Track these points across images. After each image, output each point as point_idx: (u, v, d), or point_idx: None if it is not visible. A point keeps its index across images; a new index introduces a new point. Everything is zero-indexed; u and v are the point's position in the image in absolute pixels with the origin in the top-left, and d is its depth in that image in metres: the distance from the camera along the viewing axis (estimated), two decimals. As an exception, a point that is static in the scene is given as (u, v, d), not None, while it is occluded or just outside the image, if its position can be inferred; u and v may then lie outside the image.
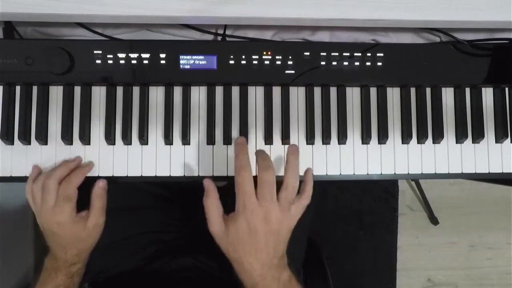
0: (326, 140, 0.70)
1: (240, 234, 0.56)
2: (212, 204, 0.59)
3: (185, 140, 0.68)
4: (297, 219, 0.60)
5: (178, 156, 0.69)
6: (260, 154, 0.61)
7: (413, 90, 0.72)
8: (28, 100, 0.68)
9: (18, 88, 0.68)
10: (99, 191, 0.66)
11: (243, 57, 0.68)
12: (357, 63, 0.69)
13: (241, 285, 0.59)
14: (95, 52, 0.67)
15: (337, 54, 0.68)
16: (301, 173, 0.64)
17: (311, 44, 0.72)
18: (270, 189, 0.57)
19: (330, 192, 1.41)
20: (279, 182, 0.59)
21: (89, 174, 0.67)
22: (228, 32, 0.71)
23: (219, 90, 0.70)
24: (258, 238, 0.56)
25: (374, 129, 0.71)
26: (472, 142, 0.72)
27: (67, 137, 0.67)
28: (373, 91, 0.71)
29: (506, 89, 0.72)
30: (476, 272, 1.58)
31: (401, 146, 0.71)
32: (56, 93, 0.69)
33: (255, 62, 0.68)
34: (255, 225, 0.56)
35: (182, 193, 0.91)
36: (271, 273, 0.57)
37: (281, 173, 0.67)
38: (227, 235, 0.58)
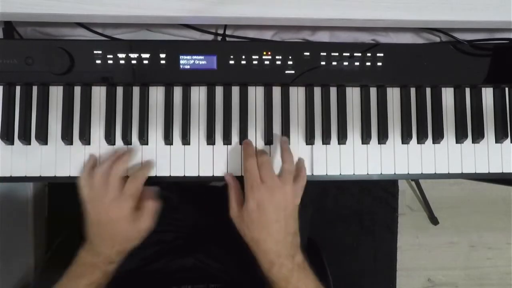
0: (326, 140, 0.70)
1: (251, 213, 0.62)
2: (234, 194, 0.65)
3: (185, 140, 0.68)
4: (299, 196, 0.65)
5: (178, 156, 0.69)
6: (258, 150, 0.69)
7: (413, 90, 0.72)
8: (28, 100, 0.68)
9: (18, 88, 0.68)
10: (150, 194, 0.66)
11: (243, 57, 0.68)
12: (357, 63, 0.69)
13: (258, 268, 0.64)
14: (95, 52, 0.67)
15: (337, 54, 0.68)
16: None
17: (311, 44, 0.72)
18: (268, 169, 0.63)
19: (330, 192, 1.41)
20: None
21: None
22: (228, 32, 0.71)
23: (219, 90, 0.70)
24: (267, 212, 0.61)
25: (374, 129, 0.71)
26: (472, 142, 0.72)
27: (67, 137, 0.67)
28: (373, 91, 0.71)
29: (506, 89, 0.72)
30: (476, 272, 1.58)
31: (401, 146, 0.71)
32: (56, 93, 0.69)
33: (255, 62, 0.68)
34: (263, 201, 0.61)
35: (182, 193, 0.91)
36: (286, 251, 0.62)
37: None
38: (242, 218, 0.63)
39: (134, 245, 0.67)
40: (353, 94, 0.71)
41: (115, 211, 0.63)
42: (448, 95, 0.72)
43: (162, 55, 0.67)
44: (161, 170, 0.69)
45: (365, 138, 0.70)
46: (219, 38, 0.72)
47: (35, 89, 0.68)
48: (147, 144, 0.69)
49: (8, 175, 0.68)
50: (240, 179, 0.67)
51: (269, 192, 0.62)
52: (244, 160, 0.65)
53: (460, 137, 0.71)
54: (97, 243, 0.65)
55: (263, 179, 0.62)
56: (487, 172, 0.72)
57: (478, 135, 0.71)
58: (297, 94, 0.71)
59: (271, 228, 0.61)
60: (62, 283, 0.65)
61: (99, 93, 0.69)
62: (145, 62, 0.67)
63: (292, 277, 0.61)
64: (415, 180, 1.51)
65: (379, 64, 0.69)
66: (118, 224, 0.64)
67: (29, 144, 0.68)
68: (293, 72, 0.68)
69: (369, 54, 0.69)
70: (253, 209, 0.61)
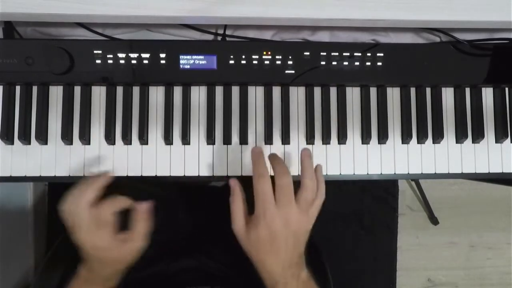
0: (326, 140, 0.70)
1: (261, 238, 0.58)
2: (237, 204, 0.60)
3: (185, 140, 0.68)
4: (314, 219, 0.61)
5: (178, 156, 0.69)
6: (274, 158, 0.62)
7: (413, 90, 0.72)
8: (28, 100, 0.68)
9: (18, 88, 0.68)
10: (142, 215, 0.63)
11: (243, 57, 0.68)
12: (357, 63, 0.69)
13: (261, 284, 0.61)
14: (95, 52, 0.67)
15: (337, 54, 0.68)
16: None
17: (311, 44, 0.72)
18: (288, 193, 0.58)
19: (330, 192, 1.41)
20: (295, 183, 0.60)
21: (89, 174, 0.67)
22: (228, 32, 0.71)
23: (219, 90, 0.70)
24: (278, 241, 0.58)
25: (374, 129, 0.71)
26: (472, 142, 0.72)
27: (67, 137, 0.67)
28: (373, 91, 0.71)
29: (506, 89, 0.72)
30: (476, 272, 1.58)
31: (401, 146, 0.71)
32: (56, 93, 0.69)
33: (255, 62, 0.68)
34: (276, 230, 0.57)
35: (183, 193, 0.90)
36: (291, 271, 0.59)
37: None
38: (248, 238, 0.59)
39: (130, 262, 0.65)
40: (353, 94, 0.71)
41: (94, 241, 0.60)
42: (448, 95, 0.72)
43: (162, 55, 0.67)
44: (161, 170, 0.69)
45: (365, 138, 0.70)
46: (219, 38, 0.72)
47: (35, 89, 0.68)
48: (147, 144, 0.69)
49: (8, 175, 0.68)
50: (238, 178, 0.65)
51: (285, 221, 0.58)
52: (255, 181, 0.58)
53: (460, 137, 0.71)
54: (89, 262, 0.63)
55: (279, 202, 0.58)
56: (487, 172, 0.72)
57: (478, 135, 0.71)
58: (297, 94, 0.71)
59: (280, 254, 0.59)
60: None
61: (99, 93, 0.69)
62: (145, 62, 0.67)
63: None
64: (415, 180, 1.51)
65: (379, 64, 0.69)
66: (103, 251, 0.61)
67: (29, 144, 0.68)
68: (293, 72, 0.68)
69: (369, 54, 0.69)
70: (264, 236, 0.58)
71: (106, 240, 0.60)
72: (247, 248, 0.60)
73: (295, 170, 0.69)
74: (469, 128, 0.72)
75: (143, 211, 0.63)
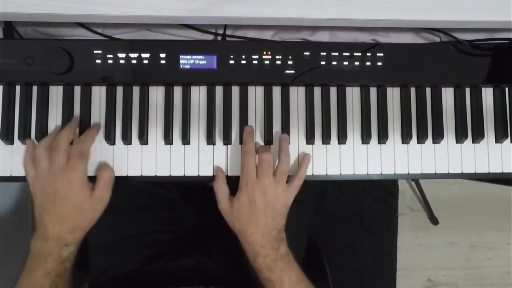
0: (326, 140, 0.70)
1: (242, 207, 0.65)
2: (220, 186, 0.67)
3: (185, 140, 0.68)
4: (292, 197, 0.67)
5: (178, 156, 0.69)
6: (262, 146, 0.70)
7: (413, 90, 0.72)
8: (28, 100, 0.68)
9: (18, 88, 0.68)
10: (104, 163, 0.67)
11: (243, 57, 0.68)
12: (357, 63, 0.69)
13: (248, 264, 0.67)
14: (95, 52, 0.67)
15: (337, 54, 0.68)
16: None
17: (311, 44, 0.72)
18: (268, 168, 0.65)
19: (330, 192, 1.41)
20: None
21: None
22: (228, 32, 0.71)
23: (219, 90, 0.70)
24: (257, 209, 0.64)
25: (374, 129, 0.71)
26: (472, 142, 0.72)
27: (67, 137, 0.67)
28: (373, 91, 0.71)
29: (506, 89, 0.72)
30: (476, 272, 1.58)
31: (401, 146, 0.71)
32: (56, 93, 0.69)
33: (255, 62, 0.68)
34: (254, 198, 0.64)
35: (182, 193, 0.90)
36: (271, 244, 0.65)
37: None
38: (232, 210, 0.66)
39: (90, 219, 0.63)
40: (353, 94, 0.71)
41: (69, 173, 0.60)
42: (448, 95, 0.72)
43: (162, 55, 0.67)
44: (161, 170, 0.69)
45: (365, 138, 0.70)
46: (219, 38, 0.72)
47: (35, 88, 0.68)
48: (147, 144, 0.69)
49: (8, 174, 0.68)
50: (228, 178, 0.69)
51: (263, 191, 0.64)
52: (243, 155, 0.66)
53: (460, 137, 0.71)
54: (45, 225, 0.61)
55: (260, 175, 0.65)
56: (487, 172, 0.72)
57: (478, 135, 0.71)
58: (297, 94, 0.71)
59: (259, 223, 0.64)
60: (20, 280, 0.62)
61: (99, 93, 0.69)
62: (145, 62, 0.67)
63: (276, 267, 0.64)
64: (415, 180, 1.51)
65: (379, 64, 0.69)
66: (71, 190, 0.60)
67: (29, 144, 0.68)
68: (293, 72, 0.68)
69: (369, 54, 0.69)
70: (245, 203, 0.64)
71: (82, 172, 0.61)
72: (231, 221, 0.67)
73: (295, 169, 0.69)
74: (469, 128, 0.72)
75: (108, 164, 0.67)
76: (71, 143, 0.64)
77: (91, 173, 0.66)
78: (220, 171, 0.69)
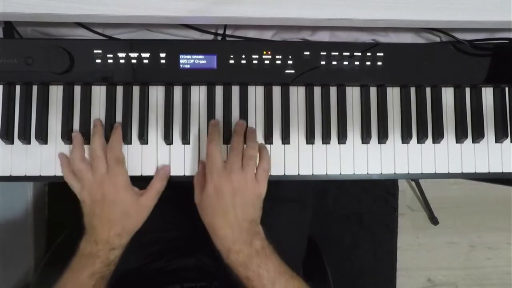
0: (326, 139, 0.70)
1: (209, 197, 0.62)
2: (197, 179, 0.66)
3: (185, 139, 0.68)
4: (264, 185, 0.64)
5: (178, 155, 0.69)
6: (237, 133, 0.67)
7: (413, 90, 0.72)
8: (28, 100, 0.68)
9: (18, 88, 0.68)
10: (163, 174, 0.66)
11: (243, 57, 0.68)
12: (357, 63, 0.69)
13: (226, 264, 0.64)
14: (95, 51, 0.67)
15: (337, 54, 0.68)
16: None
17: (311, 44, 0.72)
18: (235, 154, 0.63)
19: (330, 192, 1.41)
20: None
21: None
22: (228, 32, 0.71)
23: (219, 90, 0.70)
24: (224, 198, 0.61)
25: (374, 128, 0.71)
26: (472, 142, 0.72)
27: (67, 137, 0.67)
28: (373, 91, 0.71)
29: (506, 89, 0.72)
30: (476, 272, 1.58)
31: (401, 145, 0.71)
32: (56, 92, 0.69)
33: (255, 62, 0.68)
34: (221, 186, 0.61)
35: (183, 192, 0.90)
36: (243, 238, 0.61)
37: (281, 172, 0.68)
38: (201, 203, 0.64)
39: (136, 224, 0.66)
40: (353, 94, 0.71)
41: (113, 179, 0.63)
42: (448, 95, 0.72)
43: (162, 55, 0.67)
44: (161, 169, 0.69)
45: (365, 137, 0.70)
46: (219, 38, 0.72)
47: (35, 88, 0.68)
48: (147, 143, 0.69)
49: (8, 174, 0.68)
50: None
51: (228, 177, 0.62)
52: (208, 143, 0.65)
53: (460, 136, 0.71)
54: (94, 229, 0.63)
55: (227, 162, 0.63)
56: (487, 172, 0.72)
57: (478, 135, 0.71)
58: (297, 94, 0.71)
59: (227, 214, 0.61)
60: (65, 278, 0.64)
61: (99, 93, 0.69)
62: (145, 61, 0.67)
63: (251, 263, 0.61)
64: (415, 180, 1.51)
65: (379, 64, 0.69)
66: (118, 194, 0.63)
67: (29, 143, 0.68)
68: (293, 71, 0.68)
69: (369, 54, 0.69)
70: (211, 193, 0.62)
71: (125, 177, 0.64)
72: (202, 214, 0.64)
73: (295, 170, 0.69)
74: (469, 128, 0.72)
75: (165, 171, 0.67)
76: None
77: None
78: (202, 166, 0.67)
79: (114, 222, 0.63)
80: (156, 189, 0.66)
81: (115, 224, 0.63)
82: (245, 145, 0.66)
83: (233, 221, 0.61)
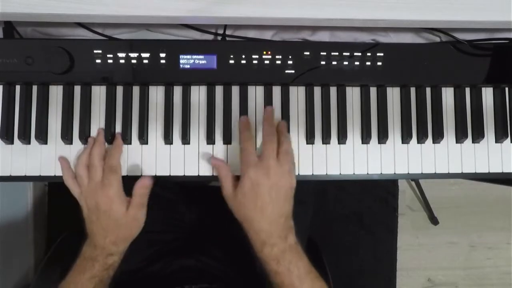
0: (326, 139, 0.70)
1: (246, 192, 0.61)
2: (224, 172, 0.65)
3: (185, 139, 0.68)
4: (294, 177, 0.64)
5: (178, 156, 0.69)
6: (267, 118, 0.67)
7: (413, 90, 0.72)
8: (28, 100, 0.68)
9: (18, 88, 0.68)
10: (139, 191, 0.65)
11: (243, 57, 0.68)
12: (357, 63, 0.69)
13: (252, 250, 0.64)
14: (95, 51, 0.67)
15: (337, 54, 0.69)
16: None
17: (311, 44, 0.72)
18: (270, 148, 0.62)
19: (330, 192, 1.41)
20: None
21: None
22: (228, 32, 0.71)
23: (219, 90, 0.70)
24: (262, 192, 0.61)
25: (374, 129, 0.71)
26: (472, 142, 0.72)
27: (67, 137, 0.67)
28: (373, 91, 0.71)
29: (506, 89, 0.72)
30: (476, 272, 1.58)
31: (401, 146, 0.71)
32: (56, 92, 0.69)
33: (255, 62, 0.68)
34: (258, 181, 0.61)
35: (183, 193, 0.91)
36: (278, 232, 0.62)
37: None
38: (235, 198, 0.63)
39: (129, 234, 0.66)
40: (353, 94, 0.71)
41: (106, 189, 0.63)
42: (448, 95, 0.72)
43: (162, 55, 0.67)
44: (161, 169, 0.69)
45: (365, 137, 0.70)
46: (219, 38, 0.72)
47: (35, 88, 0.68)
48: (147, 143, 0.69)
49: (8, 174, 0.68)
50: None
51: (266, 172, 0.61)
52: (241, 143, 0.65)
53: (460, 137, 0.71)
54: (93, 235, 0.65)
55: (262, 156, 0.62)
56: (487, 172, 0.72)
57: (478, 135, 0.71)
58: (297, 94, 0.71)
59: (265, 208, 0.61)
60: (68, 279, 0.65)
61: (99, 93, 0.69)
62: (145, 61, 0.67)
63: (284, 258, 0.61)
64: (415, 180, 1.51)
65: (379, 64, 0.69)
66: (110, 204, 0.63)
67: (29, 143, 0.68)
68: (293, 71, 0.68)
69: (369, 54, 0.69)
70: (248, 188, 0.61)
71: (117, 187, 0.64)
72: (236, 210, 0.63)
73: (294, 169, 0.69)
74: (469, 128, 0.72)
75: (140, 186, 0.65)
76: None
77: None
78: (220, 162, 0.66)
79: (108, 231, 0.64)
80: (136, 203, 0.65)
81: (110, 233, 0.64)
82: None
83: (271, 215, 0.61)
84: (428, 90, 0.72)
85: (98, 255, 0.65)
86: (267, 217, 0.61)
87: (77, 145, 0.68)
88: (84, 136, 0.67)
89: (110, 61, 0.67)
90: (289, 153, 0.64)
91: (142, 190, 0.65)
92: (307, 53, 0.68)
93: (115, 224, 0.64)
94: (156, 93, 0.69)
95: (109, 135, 0.68)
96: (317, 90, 0.71)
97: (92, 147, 0.66)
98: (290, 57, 0.68)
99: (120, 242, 0.66)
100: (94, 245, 0.65)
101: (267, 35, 0.72)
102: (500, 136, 0.72)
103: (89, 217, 0.65)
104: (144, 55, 0.67)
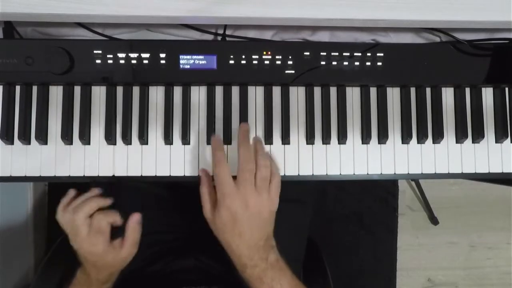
0: (326, 140, 0.70)
1: (224, 221, 0.60)
2: (204, 191, 0.63)
3: (185, 140, 0.68)
4: (277, 199, 0.63)
5: (178, 156, 0.69)
6: (242, 143, 0.63)
7: (413, 90, 0.72)
8: (28, 100, 0.68)
9: (18, 88, 0.68)
10: (133, 225, 0.66)
11: (243, 57, 0.68)
12: (357, 63, 0.69)
13: (241, 278, 0.63)
14: (95, 52, 0.67)
15: (337, 54, 0.68)
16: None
17: (311, 44, 0.72)
18: (248, 176, 0.60)
19: (330, 192, 1.41)
20: None
21: (89, 174, 0.68)
22: (228, 32, 0.71)
23: (219, 90, 0.70)
24: (240, 223, 0.60)
25: (374, 129, 0.71)
26: (472, 142, 0.72)
27: (67, 137, 0.67)
28: (373, 91, 0.71)
29: (506, 89, 0.72)
30: (476, 272, 1.58)
31: (401, 146, 0.71)
32: (56, 93, 0.69)
33: (255, 62, 0.68)
34: (236, 211, 0.59)
35: (183, 193, 0.90)
36: (259, 254, 0.61)
37: (281, 172, 0.68)
38: (214, 222, 0.62)
39: (121, 266, 0.68)
40: (353, 94, 0.71)
41: (90, 247, 0.64)
42: (448, 95, 0.72)
43: (162, 55, 0.67)
44: (161, 170, 0.69)
45: (365, 138, 0.70)
46: (219, 38, 0.72)
47: (35, 88, 0.68)
48: (147, 143, 0.69)
49: (8, 175, 0.68)
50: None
51: (243, 202, 0.59)
52: (215, 167, 0.61)
53: (460, 137, 0.71)
54: (86, 266, 0.67)
55: (238, 183, 0.60)
56: (487, 172, 0.72)
57: (478, 135, 0.71)
58: (297, 94, 0.71)
59: (244, 234, 0.60)
60: None
61: (99, 93, 0.69)
62: (145, 62, 0.67)
63: (266, 276, 0.61)
64: (415, 180, 1.51)
65: (379, 64, 0.69)
66: (97, 257, 0.65)
67: (29, 144, 0.68)
68: (293, 72, 0.68)
69: (369, 54, 0.69)
70: (226, 218, 0.60)
71: (101, 247, 0.64)
72: (215, 232, 0.63)
73: (295, 170, 0.69)
74: (469, 128, 0.72)
75: (133, 221, 0.66)
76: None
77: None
78: (205, 174, 0.65)
79: (100, 269, 0.66)
80: (131, 240, 0.66)
81: (101, 271, 0.66)
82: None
83: (249, 241, 0.61)
84: (428, 90, 0.72)
85: (93, 282, 0.67)
86: (245, 242, 0.61)
87: (77, 145, 0.68)
88: (84, 136, 0.67)
89: (110, 61, 0.67)
90: (267, 178, 0.61)
91: (133, 225, 0.66)
92: (307, 53, 0.68)
93: (106, 265, 0.66)
94: (156, 93, 0.69)
95: (109, 135, 0.68)
96: (317, 90, 0.71)
97: (85, 203, 0.64)
98: (290, 57, 0.68)
99: (113, 274, 0.68)
100: (87, 274, 0.66)
101: (267, 35, 0.72)
102: (500, 136, 0.72)
103: (78, 254, 0.66)
104: (144, 55, 0.67)
